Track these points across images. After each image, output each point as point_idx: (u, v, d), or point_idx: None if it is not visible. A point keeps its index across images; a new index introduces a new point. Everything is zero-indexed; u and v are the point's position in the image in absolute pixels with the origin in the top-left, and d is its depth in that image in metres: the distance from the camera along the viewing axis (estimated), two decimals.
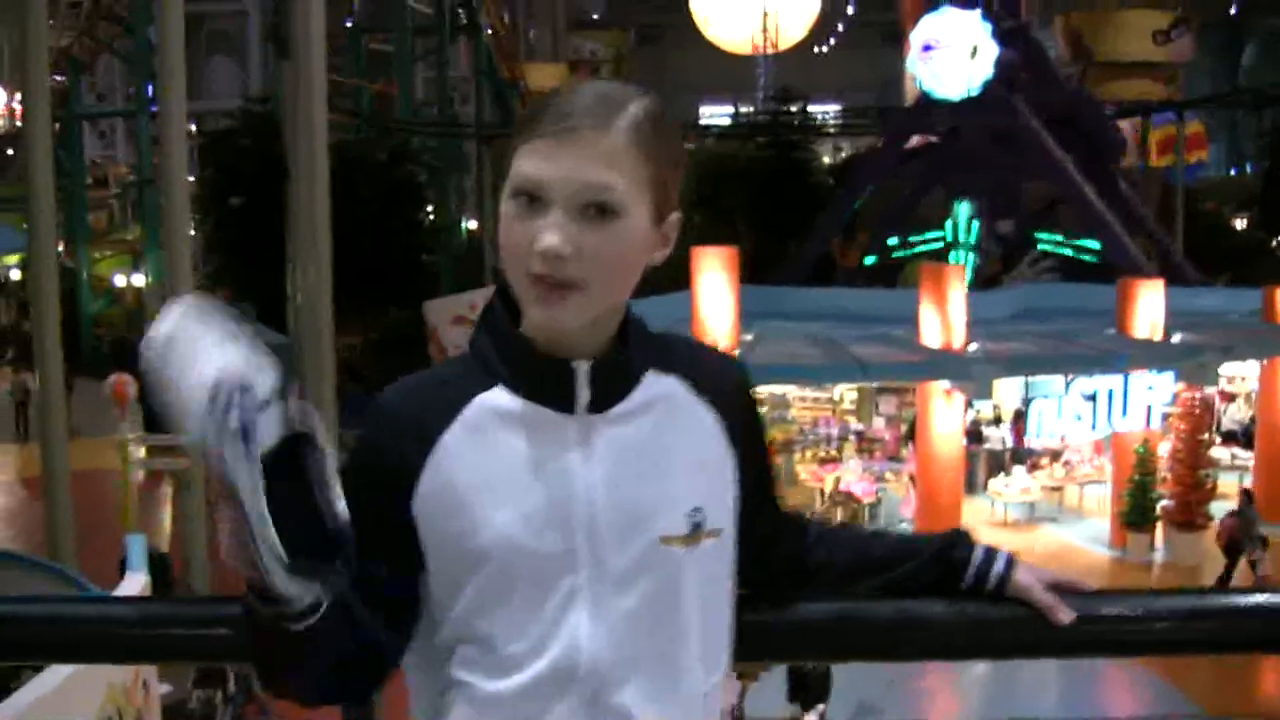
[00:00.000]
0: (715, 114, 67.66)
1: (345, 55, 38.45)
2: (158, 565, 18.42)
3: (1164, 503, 25.02)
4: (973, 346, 24.77)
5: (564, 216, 1.81)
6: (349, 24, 50.39)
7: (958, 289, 25.03)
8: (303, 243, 29.10)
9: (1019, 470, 27.95)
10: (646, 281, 1.97)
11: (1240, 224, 53.62)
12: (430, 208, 44.67)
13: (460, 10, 49.24)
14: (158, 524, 25.52)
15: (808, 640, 2.26)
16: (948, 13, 37.49)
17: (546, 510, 1.87)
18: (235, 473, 1.61)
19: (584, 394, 1.91)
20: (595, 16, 77.70)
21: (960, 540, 2.19)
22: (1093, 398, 26.12)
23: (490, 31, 53.34)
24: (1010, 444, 28.47)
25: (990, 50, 36.40)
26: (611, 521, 1.88)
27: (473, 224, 51.69)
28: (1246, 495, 24.11)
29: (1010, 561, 2.16)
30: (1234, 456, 29.12)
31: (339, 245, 28.56)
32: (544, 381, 1.91)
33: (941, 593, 2.16)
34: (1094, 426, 26.65)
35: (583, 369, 1.90)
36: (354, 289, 30.22)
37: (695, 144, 56.42)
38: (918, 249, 38.12)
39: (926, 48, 37.27)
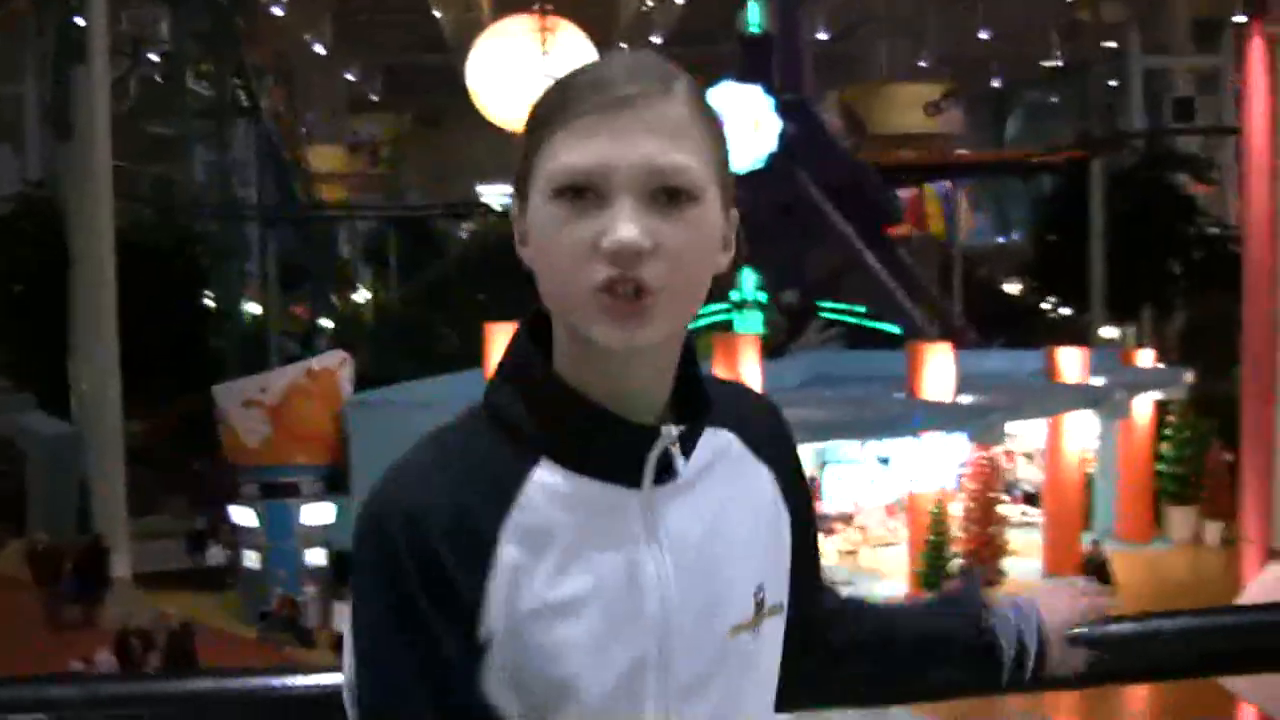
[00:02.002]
0: (495, 194, 67.69)
1: (124, 139, 37.73)
2: None
3: (958, 561, 25.45)
4: None
5: (633, 206, 1.46)
6: (126, 108, 49.55)
7: (751, 358, 25.22)
8: (87, 329, 28.51)
9: None
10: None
11: (1012, 289, 55.04)
12: (212, 291, 44.00)
13: (240, 93, 48.76)
14: None
15: (821, 684, 1.99)
16: (729, 87, 38.10)
17: (620, 621, 1.52)
18: None
19: (654, 465, 1.57)
20: (373, 99, 77.35)
21: (987, 617, 1.96)
22: (886, 461, 26.57)
23: (273, 114, 53.00)
24: None
25: (773, 124, 37.06)
26: (684, 622, 1.55)
27: (256, 307, 51.01)
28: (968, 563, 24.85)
29: (1039, 631, 1.96)
30: (1024, 513, 29.86)
31: (122, 330, 28.01)
32: (611, 452, 1.56)
33: (977, 689, 2.01)
34: (889, 489, 27.09)
35: (668, 437, 1.57)
36: (137, 375, 29.57)
37: (481, 224, 56.54)
38: (705, 320, 38.45)
39: None
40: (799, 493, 1.77)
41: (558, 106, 1.50)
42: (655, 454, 1.56)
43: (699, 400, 1.63)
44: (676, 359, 1.60)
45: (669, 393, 1.61)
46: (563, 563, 1.52)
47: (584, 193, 1.46)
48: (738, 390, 1.77)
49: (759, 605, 1.62)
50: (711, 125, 1.54)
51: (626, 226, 1.44)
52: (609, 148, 1.46)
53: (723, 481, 1.64)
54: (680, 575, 1.56)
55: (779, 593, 1.67)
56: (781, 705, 1.82)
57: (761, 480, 1.70)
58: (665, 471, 1.58)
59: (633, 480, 1.56)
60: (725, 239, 1.57)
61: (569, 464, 1.55)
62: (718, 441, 1.66)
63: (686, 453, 1.60)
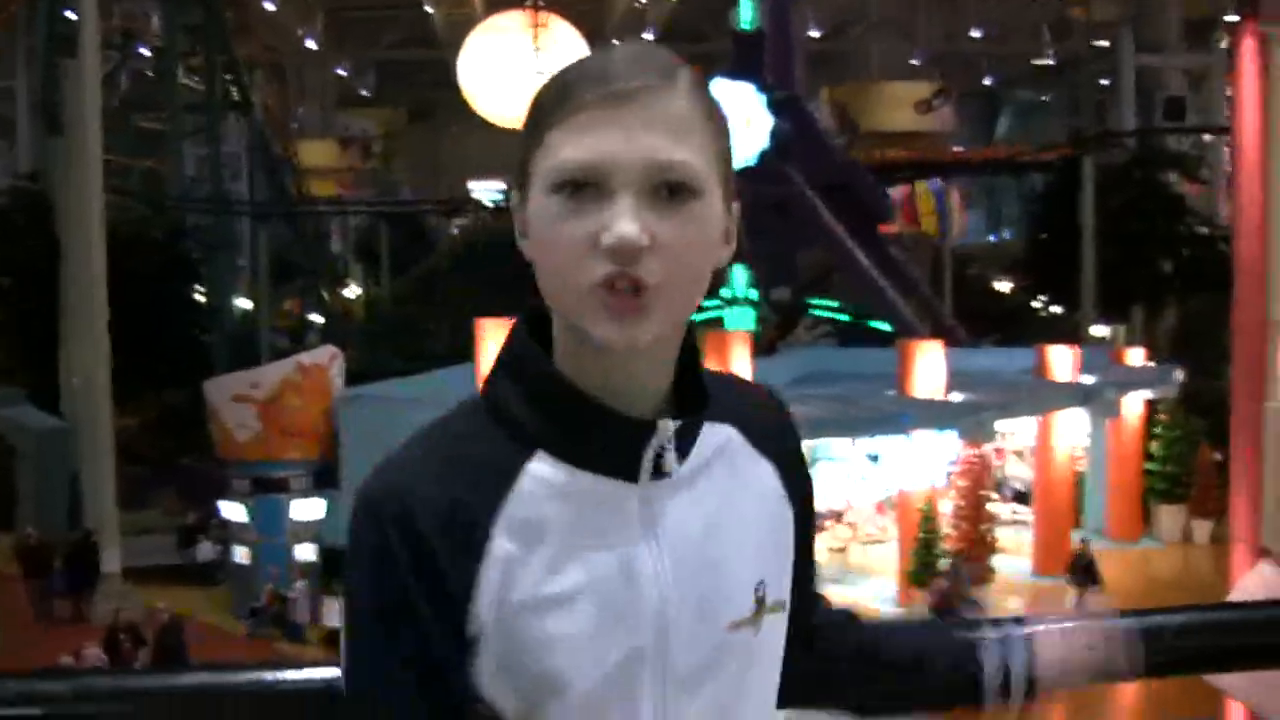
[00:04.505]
0: (486, 190, 67.56)
1: (114, 133, 37.72)
2: None
3: (948, 559, 25.44)
4: None
5: (633, 201, 1.44)
6: (116, 102, 49.51)
7: (742, 354, 25.16)
8: (77, 323, 28.48)
9: None
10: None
11: (1003, 287, 55.13)
12: (202, 286, 44.00)
13: (231, 87, 48.68)
14: None
15: (807, 692, 1.98)
16: (720, 84, 38.09)
17: (615, 613, 1.52)
18: None
19: (652, 459, 1.55)
20: (365, 94, 77.28)
21: (974, 652, 1.92)
22: (877, 458, 26.57)
23: (264, 109, 52.99)
24: None
25: (765, 121, 37.04)
26: (681, 616, 1.55)
27: (246, 302, 50.98)
28: (956, 560, 24.76)
29: (1030, 677, 1.90)
30: (1014, 511, 29.87)
31: (112, 325, 27.97)
32: (608, 445, 1.55)
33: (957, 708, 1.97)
34: (879, 486, 27.09)
35: (666, 431, 1.55)
36: (128, 369, 29.55)
37: (472, 220, 56.54)
38: (695, 317, 38.38)
39: None
40: (803, 489, 1.76)
41: (559, 99, 1.49)
42: (652, 449, 1.55)
43: (698, 395, 1.61)
44: (676, 353, 1.59)
45: (669, 387, 1.60)
46: (557, 555, 1.51)
47: (584, 188, 1.45)
48: (741, 385, 1.76)
49: (759, 601, 1.61)
50: (714, 119, 1.53)
51: (626, 223, 1.43)
52: (610, 143, 1.44)
53: (724, 477, 1.63)
54: (678, 570, 1.55)
55: (780, 590, 1.66)
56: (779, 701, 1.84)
57: (764, 475, 1.69)
58: (664, 466, 1.57)
59: (629, 474, 1.55)
60: (726, 232, 1.56)
61: (565, 457, 1.54)
62: (718, 437, 1.64)
63: (686, 448, 1.59)
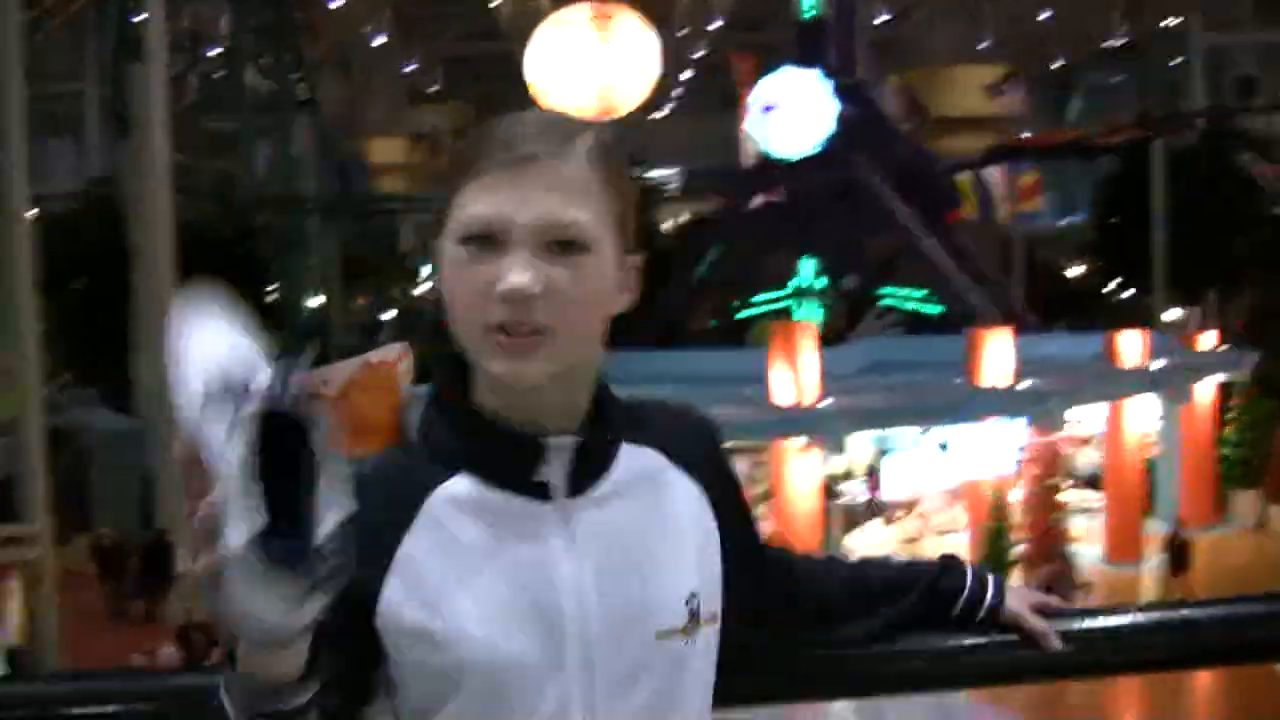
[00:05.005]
0: None
1: (183, 135, 37.93)
2: (12, 660, 18.05)
3: (1019, 547, 25.32)
4: (825, 402, 24.85)
5: (527, 255, 1.60)
6: (185, 104, 49.86)
7: (808, 345, 25.04)
8: (149, 325, 28.67)
9: (875, 524, 28.08)
10: None
11: (1073, 272, 54.68)
12: (273, 285, 44.16)
13: (300, 86, 48.90)
14: (6, 618, 24.84)
15: (791, 680, 2.16)
16: (787, 73, 38.00)
17: (531, 614, 1.64)
18: (223, 463, 1.35)
19: (561, 476, 1.69)
20: (433, 90, 77.42)
21: (951, 568, 2.15)
22: (946, 447, 26.44)
23: (333, 107, 53.27)
24: (865, 498, 28.54)
25: (829, 108, 36.91)
26: (605, 620, 1.66)
27: (317, 300, 51.22)
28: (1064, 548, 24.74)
29: (1000, 589, 2.14)
30: (1085, 499, 29.64)
31: None
32: (514, 464, 1.69)
33: (932, 625, 2.12)
34: (949, 476, 26.95)
35: (562, 447, 1.69)
36: None
37: None
38: (763, 308, 38.34)
39: (767, 108, 37.72)
40: (732, 501, 1.89)
41: (471, 159, 1.66)
42: (557, 464, 1.69)
43: (604, 419, 1.74)
44: (587, 386, 1.74)
45: (583, 413, 1.73)
46: (472, 556, 1.66)
47: (486, 241, 1.62)
48: (669, 410, 1.90)
49: (693, 614, 1.73)
50: (613, 180, 1.68)
51: (518, 273, 1.60)
52: (509, 203, 1.62)
53: (645, 495, 1.76)
54: (600, 579, 1.68)
55: (715, 602, 1.78)
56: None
57: (688, 495, 1.82)
58: (583, 484, 1.72)
59: (541, 494, 1.69)
60: (623, 283, 1.73)
61: (482, 476, 1.69)
62: (642, 459, 1.78)
63: (599, 468, 1.73)
